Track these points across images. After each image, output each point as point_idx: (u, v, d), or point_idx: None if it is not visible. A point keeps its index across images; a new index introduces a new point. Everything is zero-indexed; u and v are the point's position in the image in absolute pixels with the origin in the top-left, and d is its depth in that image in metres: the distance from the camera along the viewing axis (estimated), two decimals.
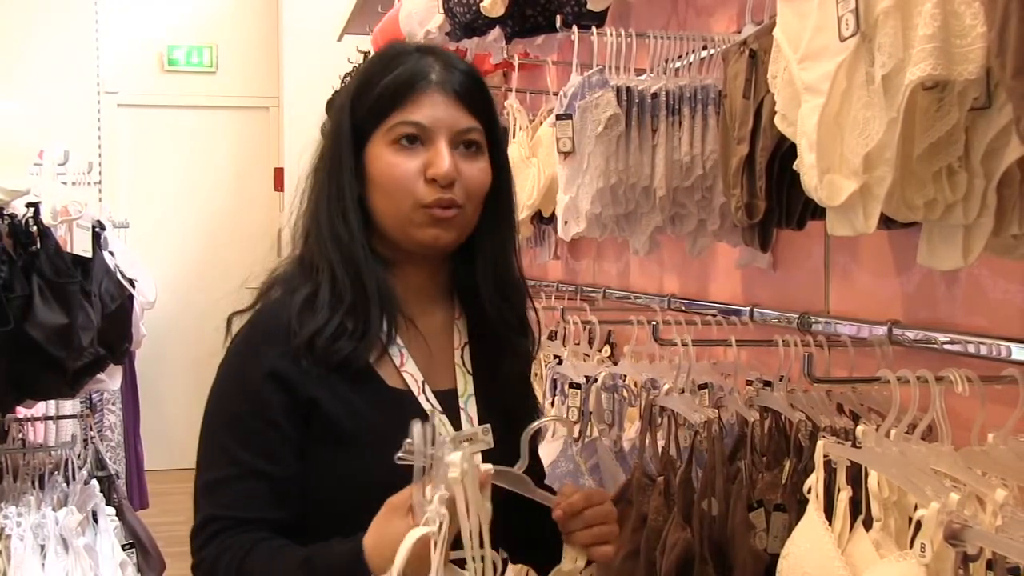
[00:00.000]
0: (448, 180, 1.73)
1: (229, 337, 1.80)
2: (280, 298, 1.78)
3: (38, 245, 3.66)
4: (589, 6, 3.03)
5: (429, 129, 1.73)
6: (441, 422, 1.74)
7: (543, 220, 3.66)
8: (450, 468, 1.44)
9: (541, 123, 3.50)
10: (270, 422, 1.69)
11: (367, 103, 1.75)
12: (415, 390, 1.76)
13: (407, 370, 1.76)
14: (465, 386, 1.83)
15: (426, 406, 1.75)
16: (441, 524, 1.42)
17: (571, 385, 2.84)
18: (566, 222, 2.79)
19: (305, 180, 1.85)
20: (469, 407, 1.81)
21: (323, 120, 1.88)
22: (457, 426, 1.76)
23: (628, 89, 2.69)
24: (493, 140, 1.81)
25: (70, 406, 5.13)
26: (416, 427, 1.46)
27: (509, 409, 1.85)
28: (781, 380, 2.34)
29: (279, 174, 8.77)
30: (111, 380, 4.82)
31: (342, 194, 1.75)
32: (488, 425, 1.74)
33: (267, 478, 1.68)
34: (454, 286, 1.89)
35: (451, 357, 1.85)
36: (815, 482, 1.75)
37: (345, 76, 5.54)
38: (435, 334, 1.83)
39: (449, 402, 1.79)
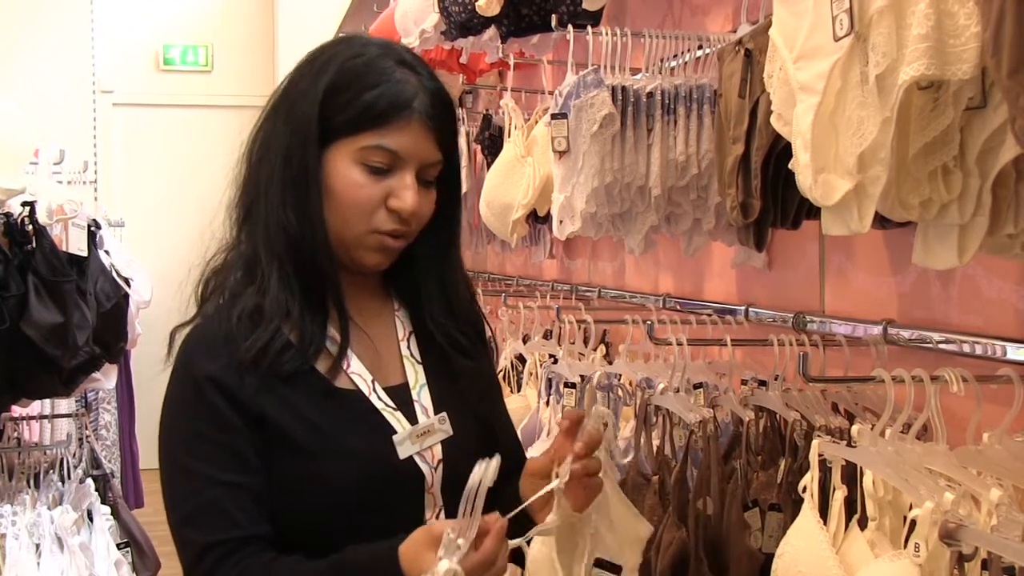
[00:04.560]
0: (411, 216, 1.72)
1: (172, 352, 1.74)
2: (219, 308, 1.73)
3: (34, 244, 3.67)
4: (584, 5, 3.03)
5: (403, 159, 1.70)
6: (396, 419, 1.72)
7: (538, 219, 3.66)
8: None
9: (536, 122, 3.49)
10: (229, 428, 1.64)
11: (343, 110, 1.69)
12: (365, 390, 1.72)
13: (354, 371, 1.73)
14: (416, 377, 1.80)
15: (378, 405, 1.72)
16: None
17: (566, 384, 2.83)
18: (561, 221, 2.79)
19: (241, 163, 1.79)
20: (422, 397, 1.78)
21: (275, 96, 1.78)
22: (413, 420, 1.73)
23: (623, 88, 2.69)
24: (452, 165, 1.80)
25: (65, 405, 5.14)
26: (478, 466, 1.46)
27: (465, 391, 1.83)
28: (776, 379, 2.35)
29: None
30: (106, 379, 4.83)
31: (306, 197, 1.69)
32: (444, 414, 1.74)
33: (249, 491, 1.64)
34: (388, 280, 1.87)
35: (397, 350, 1.82)
36: (810, 481, 1.76)
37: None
38: (377, 328, 1.80)
39: (402, 397, 1.76)
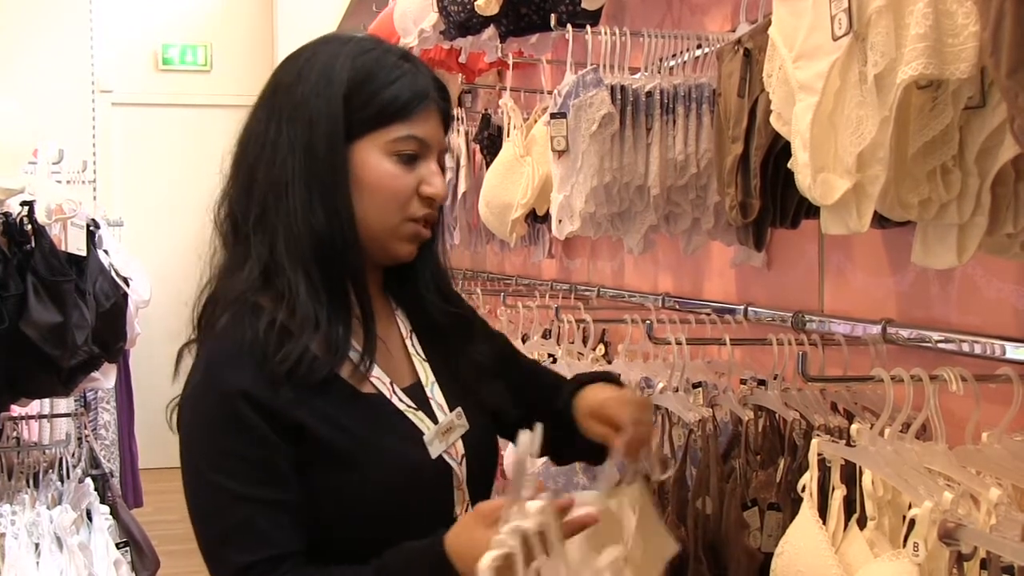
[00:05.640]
0: (442, 201, 1.76)
1: (179, 371, 1.72)
2: (239, 319, 1.67)
3: (32, 244, 3.67)
4: (584, 5, 3.03)
5: (428, 146, 1.73)
6: (419, 419, 1.72)
7: (537, 218, 3.66)
8: (528, 517, 1.41)
9: (535, 122, 3.49)
10: (264, 444, 1.60)
11: (365, 106, 1.69)
12: (387, 393, 1.72)
13: (374, 375, 1.72)
14: (426, 375, 1.81)
15: (400, 407, 1.72)
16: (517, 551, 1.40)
17: None
18: (560, 221, 2.79)
19: (232, 175, 1.77)
20: (436, 395, 1.79)
21: (268, 99, 1.76)
22: (433, 419, 1.74)
23: (622, 88, 2.69)
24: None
25: (64, 404, 5.14)
26: (522, 437, 1.45)
27: (468, 381, 1.85)
28: (775, 379, 2.35)
29: None
30: (105, 378, 4.84)
31: (332, 193, 1.68)
32: (459, 409, 1.75)
33: (284, 507, 1.61)
34: (387, 279, 1.87)
35: (404, 348, 1.83)
36: (809, 481, 1.76)
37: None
38: (382, 329, 1.78)
39: (419, 396, 1.76)
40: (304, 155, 1.68)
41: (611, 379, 1.95)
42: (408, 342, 1.84)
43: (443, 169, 1.81)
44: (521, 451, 1.44)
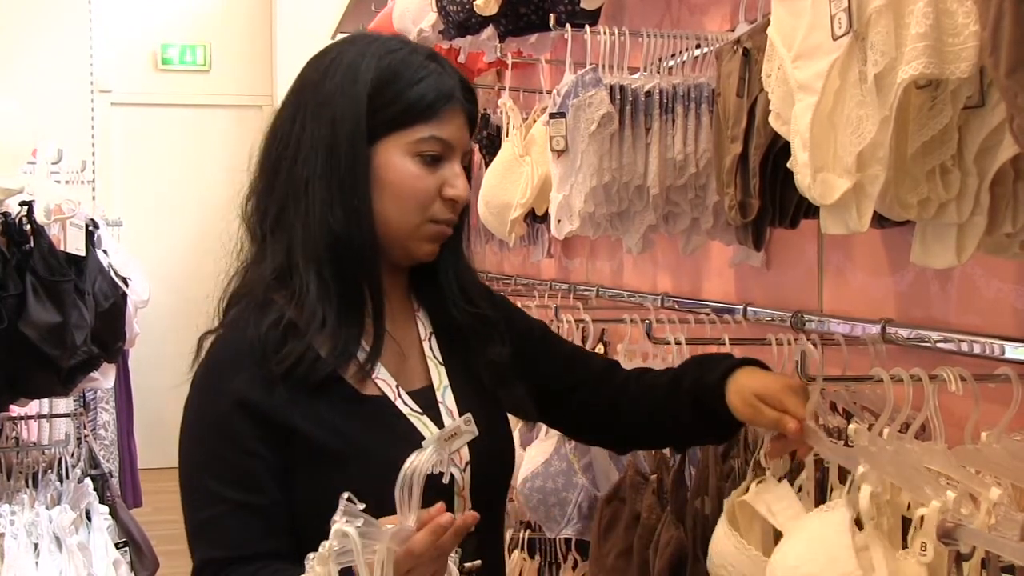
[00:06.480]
0: (465, 202, 1.75)
1: (199, 359, 1.73)
2: (245, 315, 1.70)
3: (31, 244, 3.67)
4: (583, 5, 3.03)
5: (452, 148, 1.73)
6: (423, 424, 1.71)
7: (536, 218, 3.66)
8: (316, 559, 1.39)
9: (534, 122, 3.49)
10: (247, 452, 1.63)
11: (390, 105, 1.69)
12: (391, 396, 1.71)
13: (379, 377, 1.72)
14: (440, 378, 1.80)
15: (404, 410, 1.71)
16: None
17: None
18: (559, 220, 2.79)
19: (257, 171, 1.78)
20: (447, 399, 1.77)
21: (295, 98, 1.77)
22: (439, 423, 1.72)
23: (622, 88, 2.69)
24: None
25: (64, 404, 5.14)
26: (413, 456, 1.43)
27: (491, 391, 1.84)
28: None
29: None
30: (104, 379, 4.84)
31: (352, 192, 1.68)
32: (469, 415, 1.67)
33: (257, 511, 1.63)
34: (408, 282, 1.86)
35: (420, 351, 1.82)
36: (807, 481, 1.75)
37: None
38: (400, 330, 1.79)
39: (427, 400, 1.75)
40: (326, 153, 1.69)
41: (740, 361, 1.90)
42: (426, 344, 1.83)
43: (468, 170, 1.80)
44: (408, 466, 1.41)
